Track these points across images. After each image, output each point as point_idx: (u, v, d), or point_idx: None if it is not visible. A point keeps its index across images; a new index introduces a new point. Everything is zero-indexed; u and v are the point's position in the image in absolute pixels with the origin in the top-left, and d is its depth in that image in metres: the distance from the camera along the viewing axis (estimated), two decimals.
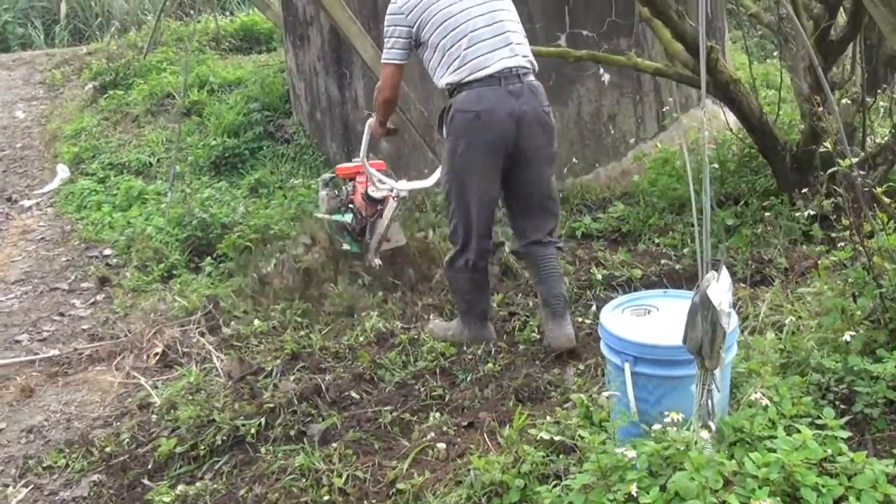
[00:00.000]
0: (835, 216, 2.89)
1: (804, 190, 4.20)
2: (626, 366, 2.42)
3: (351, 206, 4.79)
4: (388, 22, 3.73)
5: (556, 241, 3.82)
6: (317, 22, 6.72)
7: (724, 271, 2.06)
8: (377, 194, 4.55)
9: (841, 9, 4.16)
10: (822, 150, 4.42)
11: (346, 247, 4.78)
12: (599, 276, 4.47)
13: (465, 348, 3.76)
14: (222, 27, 10.93)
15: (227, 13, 12.84)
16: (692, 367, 2.36)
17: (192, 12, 12.56)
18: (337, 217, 4.82)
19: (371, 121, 4.17)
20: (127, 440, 3.49)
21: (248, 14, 12.20)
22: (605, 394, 2.42)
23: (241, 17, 11.83)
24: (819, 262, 3.92)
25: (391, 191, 4.45)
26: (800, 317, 3.22)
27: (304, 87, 7.12)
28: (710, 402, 2.11)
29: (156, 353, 4.31)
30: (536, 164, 3.63)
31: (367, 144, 4.36)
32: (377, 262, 4.65)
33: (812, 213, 4.05)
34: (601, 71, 6.17)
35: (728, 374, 2.48)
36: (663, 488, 2.03)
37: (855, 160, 2.66)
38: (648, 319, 2.57)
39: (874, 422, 2.53)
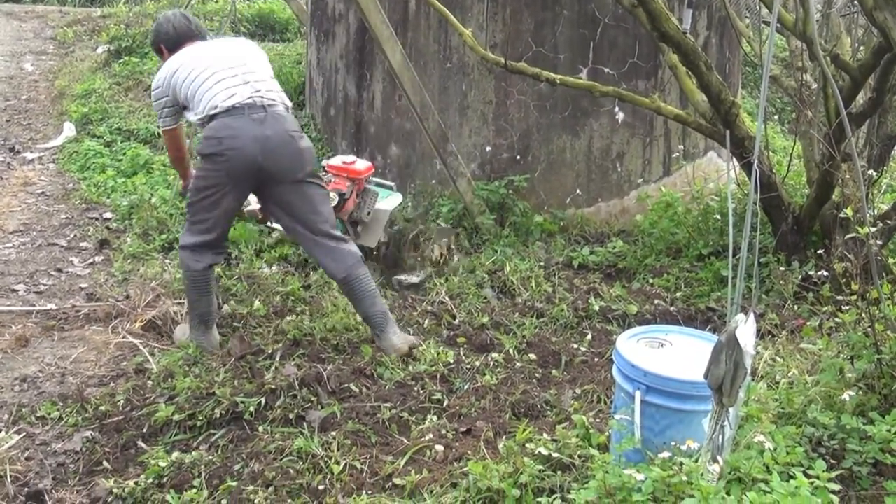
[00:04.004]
0: (844, 280, 3.00)
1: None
2: (637, 394, 2.52)
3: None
4: (154, 100, 4.15)
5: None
6: (345, 20, 6.80)
7: (752, 316, 2.16)
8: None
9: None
10: (827, 214, 4.60)
11: None
12: (596, 308, 4.59)
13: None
14: (240, 10, 10.97)
15: None
16: (701, 403, 2.47)
17: None
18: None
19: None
20: (122, 402, 3.52)
21: (265, 1, 12.26)
22: (618, 417, 2.51)
23: (260, 3, 11.87)
24: (808, 322, 4.09)
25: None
26: (792, 372, 3.34)
27: (323, 81, 7.19)
28: (721, 437, 2.21)
29: (151, 320, 4.35)
30: (289, 183, 3.94)
31: None
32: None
33: (811, 273, 4.19)
34: (616, 109, 6.31)
35: (736, 414, 2.58)
36: None
37: (873, 229, 2.78)
38: (662, 352, 2.67)
39: (860, 480, 2.64)
